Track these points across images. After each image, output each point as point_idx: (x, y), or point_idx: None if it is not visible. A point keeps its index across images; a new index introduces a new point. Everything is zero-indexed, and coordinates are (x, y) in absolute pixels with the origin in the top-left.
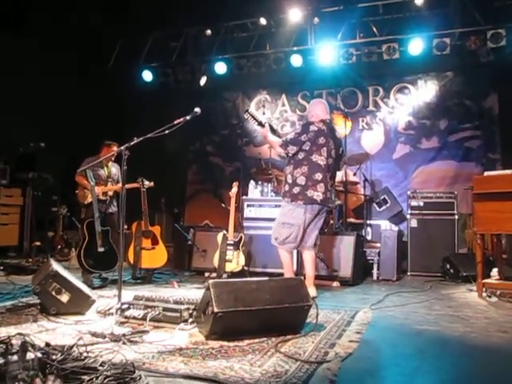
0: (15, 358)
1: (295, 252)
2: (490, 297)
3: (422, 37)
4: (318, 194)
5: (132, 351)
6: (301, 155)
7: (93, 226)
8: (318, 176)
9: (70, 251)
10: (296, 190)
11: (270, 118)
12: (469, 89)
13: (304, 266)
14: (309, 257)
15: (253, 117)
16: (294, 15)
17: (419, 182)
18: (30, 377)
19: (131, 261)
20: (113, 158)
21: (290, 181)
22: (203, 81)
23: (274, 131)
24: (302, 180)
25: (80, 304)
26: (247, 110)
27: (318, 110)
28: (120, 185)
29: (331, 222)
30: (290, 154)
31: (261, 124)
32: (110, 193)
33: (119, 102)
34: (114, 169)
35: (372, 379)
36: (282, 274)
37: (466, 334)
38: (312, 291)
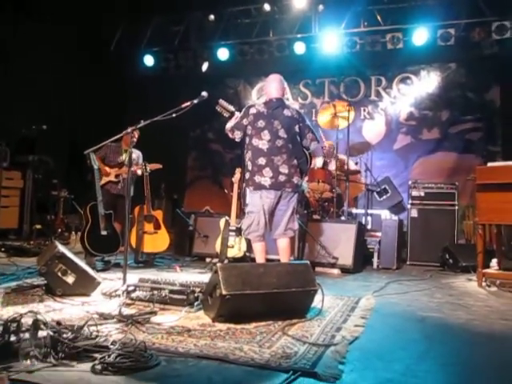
0: (27, 335)
1: (296, 238)
2: (489, 286)
3: (426, 27)
4: (265, 179)
5: (140, 332)
6: (247, 140)
7: (96, 210)
8: (262, 161)
9: (70, 234)
10: (247, 175)
11: None
12: (471, 81)
13: (279, 253)
14: (282, 244)
15: (224, 108)
16: (299, 2)
17: (419, 173)
18: (42, 354)
19: (133, 245)
20: (134, 144)
21: (244, 167)
22: (205, 66)
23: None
24: (249, 165)
25: (85, 285)
26: (218, 102)
27: (271, 87)
28: (125, 168)
29: (331, 209)
30: (237, 140)
31: (232, 113)
32: (124, 175)
33: (121, 86)
34: (134, 155)
35: (380, 362)
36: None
37: (470, 322)
38: None
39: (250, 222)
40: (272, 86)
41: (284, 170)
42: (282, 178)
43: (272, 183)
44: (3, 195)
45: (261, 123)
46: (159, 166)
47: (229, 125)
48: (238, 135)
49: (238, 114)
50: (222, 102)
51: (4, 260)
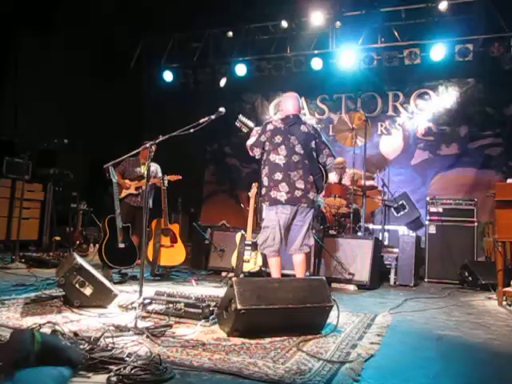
0: None
1: (312, 254)
2: (510, 305)
3: (444, 42)
4: (281, 194)
5: (156, 344)
6: (264, 156)
7: (114, 222)
8: (278, 176)
9: (89, 247)
10: (263, 191)
11: None
12: (490, 96)
13: (294, 269)
14: (297, 259)
15: (244, 123)
16: (316, 19)
17: (438, 189)
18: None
19: (150, 258)
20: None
21: (260, 183)
22: (223, 82)
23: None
24: (265, 181)
25: (102, 298)
26: (237, 117)
27: (288, 104)
28: (144, 180)
29: (348, 225)
30: (257, 157)
31: (251, 129)
32: (144, 187)
33: (140, 101)
34: (153, 168)
35: (396, 380)
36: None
37: (489, 341)
38: None
39: (266, 236)
40: (289, 103)
41: (300, 185)
42: (298, 194)
43: (288, 198)
44: (24, 207)
45: (278, 138)
46: (179, 177)
47: (249, 142)
48: (257, 152)
49: (257, 130)
50: (241, 117)
51: (24, 271)
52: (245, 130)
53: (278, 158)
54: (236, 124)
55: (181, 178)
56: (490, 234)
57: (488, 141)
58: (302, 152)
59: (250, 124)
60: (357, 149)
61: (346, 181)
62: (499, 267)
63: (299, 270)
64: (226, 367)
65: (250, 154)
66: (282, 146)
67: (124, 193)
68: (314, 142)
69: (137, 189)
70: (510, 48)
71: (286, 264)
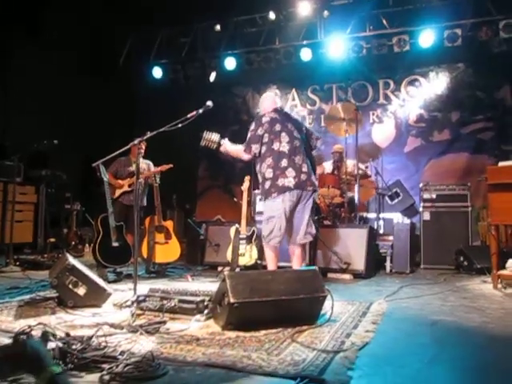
0: None
1: (307, 246)
2: (505, 288)
3: (432, 28)
4: (289, 180)
5: (150, 341)
6: (263, 149)
7: (107, 221)
8: (285, 162)
9: (84, 247)
10: (267, 184)
11: None
12: (481, 80)
13: (292, 260)
14: (297, 251)
15: (210, 140)
16: (304, 9)
17: (431, 175)
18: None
19: (145, 255)
20: (141, 155)
21: (260, 179)
22: (213, 76)
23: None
24: (269, 173)
25: (96, 297)
26: (202, 137)
27: (268, 101)
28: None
29: (343, 214)
30: (257, 154)
31: (219, 144)
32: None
33: (130, 98)
34: (144, 165)
35: (390, 367)
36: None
37: (484, 325)
38: None
39: (272, 226)
40: (269, 100)
41: (304, 168)
42: (303, 177)
43: (296, 183)
44: (17, 210)
45: (278, 127)
46: (170, 165)
47: (238, 147)
48: (256, 149)
49: (224, 141)
50: (205, 134)
51: (18, 274)
52: (213, 146)
53: (282, 146)
54: (201, 144)
55: (172, 166)
56: (484, 218)
57: (480, 125)
58: (299, 137)
59: (216, 138)
60: (349, 138)
61: (342, 171)
62: (493, 250)
63: (298, 262)
64: (220, 361)
65: (246, 156)
66: (283, 133)
67: (118, 192)
68: (304, 128)
69: (130, 185)
70: (498, 31)
71: (281, 256)
